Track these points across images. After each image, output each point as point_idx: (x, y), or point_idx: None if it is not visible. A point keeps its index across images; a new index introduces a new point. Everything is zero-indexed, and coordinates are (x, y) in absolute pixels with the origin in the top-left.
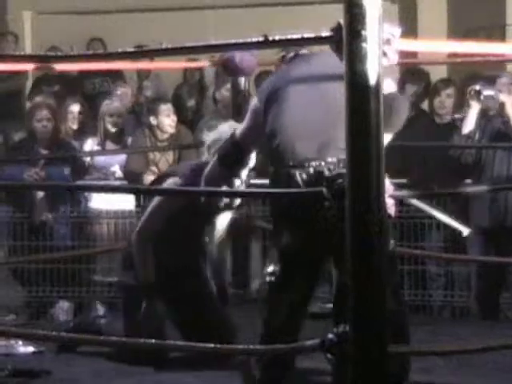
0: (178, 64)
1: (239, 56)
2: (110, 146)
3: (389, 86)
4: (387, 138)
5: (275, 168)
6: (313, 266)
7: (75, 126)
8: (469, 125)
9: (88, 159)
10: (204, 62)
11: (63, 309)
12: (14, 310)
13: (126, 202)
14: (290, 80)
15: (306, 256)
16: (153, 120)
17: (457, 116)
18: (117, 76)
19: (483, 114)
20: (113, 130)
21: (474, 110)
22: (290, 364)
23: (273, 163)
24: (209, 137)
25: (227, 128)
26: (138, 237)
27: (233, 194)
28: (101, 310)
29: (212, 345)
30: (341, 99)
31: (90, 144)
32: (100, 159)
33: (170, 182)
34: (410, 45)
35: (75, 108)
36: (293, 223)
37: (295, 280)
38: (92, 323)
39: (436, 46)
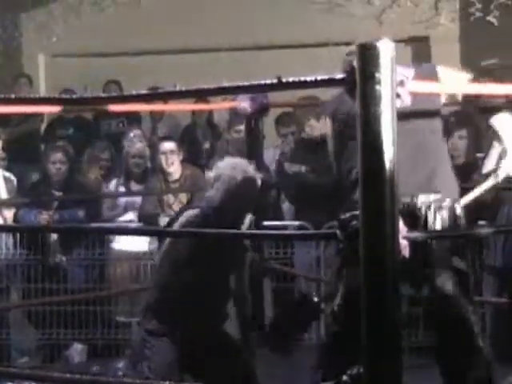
0: (194, 106)
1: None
2: (133, 186)
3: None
4: None
5: None
6: None
7: (102, 170)
8: (489, 165)
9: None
10: (221, 104)
11: (77, 351)
12: (27, 353)
13: (143, 243)
14: None
15: None
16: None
17: (479, 155)
18: (133, 118)
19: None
20: (136, 170)
21: (496, 150)
22: None
23: None
24: (211, 174)
25: (224, 164)
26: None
27: (251, 236)
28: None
29: None
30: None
31: (114, 184)
32: (123, 200)
33: (188, 213)
34: (426, 86)
35: (104, 155)
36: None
37: None
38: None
39: (451, 88)
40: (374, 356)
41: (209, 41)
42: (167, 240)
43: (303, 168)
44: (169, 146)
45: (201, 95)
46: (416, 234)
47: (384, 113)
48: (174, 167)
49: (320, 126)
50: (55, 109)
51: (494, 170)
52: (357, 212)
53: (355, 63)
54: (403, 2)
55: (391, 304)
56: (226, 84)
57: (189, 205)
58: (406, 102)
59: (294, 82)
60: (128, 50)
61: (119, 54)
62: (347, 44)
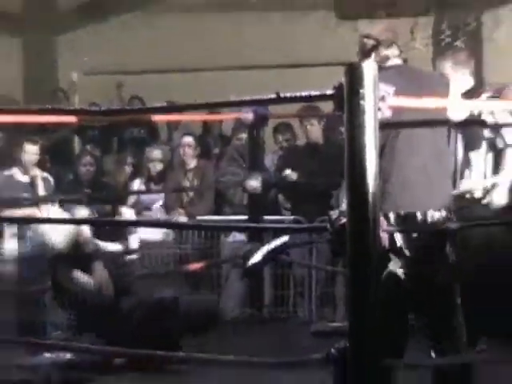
0: (206, 117)
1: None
2: (153, 186)
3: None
4: None
5: None
6: None
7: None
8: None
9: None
10: (232, 115)
11: None
12: (60, 328)
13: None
14: None
15: None
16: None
17: None
18: (151, 126)
19: None
20: (155, 172)
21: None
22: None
23: None
24: None
25: None
26: None
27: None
28: None
29: None
30: None
31: (138, 183)
32: (145, 197)
33: None
34: (406, 101)
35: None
36: None
37: None
38: None
39: (434, 103)
40: (357, 332)
41: (218, 61)
42: None
43: (295, 172)
44: (187, 139)
45: (211, 108)
46: (394, 228)
47: (367, 124)
48: (191, 158)
49: (316, 131)
50: (85, 119)
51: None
52: (344, 209)
53: (343, 80)
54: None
55: (373, 287)
56: (233, 99)
57: None
58: (386, 114)
59: (290, 97)
60: (148, 68)
61: (141, 72)
62: (334, 65)
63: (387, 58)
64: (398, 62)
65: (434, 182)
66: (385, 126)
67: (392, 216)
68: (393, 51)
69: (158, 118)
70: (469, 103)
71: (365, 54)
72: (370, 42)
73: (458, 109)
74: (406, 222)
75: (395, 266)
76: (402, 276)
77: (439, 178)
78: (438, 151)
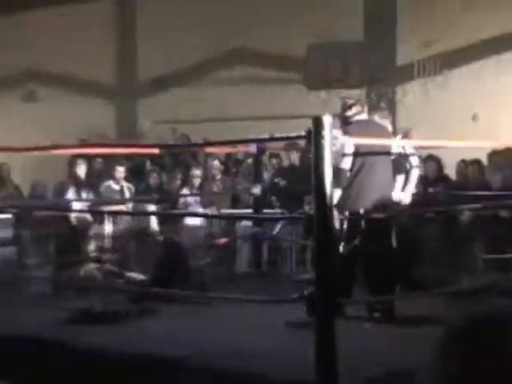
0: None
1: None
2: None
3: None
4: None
5: None
6: None
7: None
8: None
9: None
10: (243, 148)
11: None
12: None
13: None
14: None
15: None
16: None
17: None
18: (193, 154)
19: None
20: (196, 183)
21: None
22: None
23: None
24: None
25: None
26: None
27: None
28: None
29: None
30: None
31: (185, 190)
32: (190, 199)
33: None
34: (370, 140)
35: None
36: None
37: None
38: None
39: (384, 141)
40: (320, 280)
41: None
42: None
43: (282, 182)
44: (215, 163)
45: (231, 144)
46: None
47: (326, 154)
48: (218, 174)
49: (295, 157)
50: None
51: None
52: (312, 205)
53: (311, 127)
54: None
55: (329, 253)
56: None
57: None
58: (337, 147)
59: (278, 137)
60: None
61: (189, 122)
62: (305, 117)
63: (359, 111)
64: (364, 116)
65: (381, 191)
66: (356, 154)
67: (362, 211)
68: (358, 108)
69: (197, 149)
70: (398, 141)
71: (345, 109)
72: (351, 102)
73: (395, 145)
74: (363, 214)
75: (351, 242)
76: (354, 247)
77: (385, 189)
78: (386, 172)
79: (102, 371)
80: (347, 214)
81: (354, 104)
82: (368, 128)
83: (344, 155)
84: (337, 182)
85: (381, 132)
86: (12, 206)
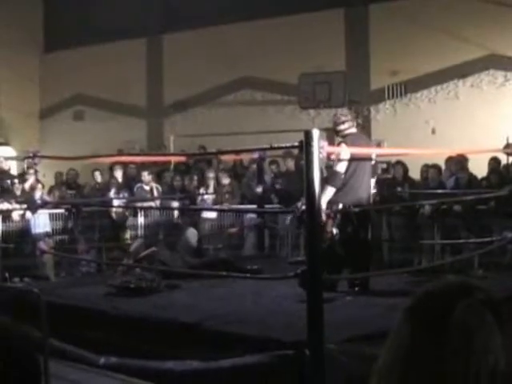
0: (236, 157)
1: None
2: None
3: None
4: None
5: None
6: None
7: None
8: None
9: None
10: (248, 156)
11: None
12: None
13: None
14: None
15: None
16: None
17: None
18: (208, 161)
19: None
20: (210, 184)
21: None
22: None
23: None
24: None
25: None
26: None
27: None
28: None
29: None
30: None
31: (201, 190)
32: (205, 196)
33: None
34: (361, 150)
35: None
36: None
37: None
38: None
39: (370, 151)
40: (310, 262)
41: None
42: None
43: (280, 184)
44: (225, 168)
45: (239, 153)
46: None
47: (314, 161)
48: (227, 177)
49: (291, 163)
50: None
51: None
52: (304, 201)
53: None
54: (327, 112)
55: (318, 240)
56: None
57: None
58: (323, 155)
59: (276, 147)
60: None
61: (205, 135)
62: (297, 131)
63: (350, 126)
64: (354, 129)
65: (366, 190)
66: (351, 160)
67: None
68: (349, 123)
69: (212, 157)
70: (378, 150)
71: (338, 123)
72: (343, 118)
73: (375, 154)
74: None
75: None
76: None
77: (368, 189)
78: (369, 175)
79: (138, 331)
80: (340, 206)
81: (346, 120)
82: (359, 140)
83: (340, 160)
84: (333, 181)
85: (368, 144)
86: (64, 203)
